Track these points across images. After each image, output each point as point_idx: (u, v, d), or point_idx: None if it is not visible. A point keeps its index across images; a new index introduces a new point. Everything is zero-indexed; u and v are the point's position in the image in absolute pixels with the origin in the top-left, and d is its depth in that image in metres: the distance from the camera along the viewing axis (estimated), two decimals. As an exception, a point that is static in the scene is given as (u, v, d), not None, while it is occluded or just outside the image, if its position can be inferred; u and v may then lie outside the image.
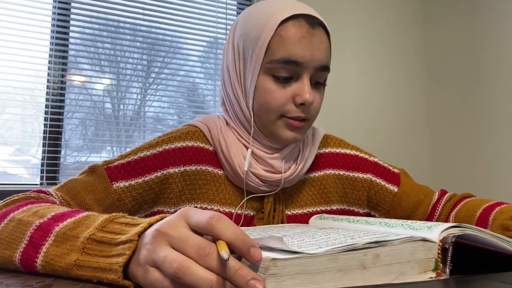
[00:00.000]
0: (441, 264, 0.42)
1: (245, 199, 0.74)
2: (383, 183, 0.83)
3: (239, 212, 0.74)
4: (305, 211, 0.79)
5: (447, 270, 0.42)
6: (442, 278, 0.42)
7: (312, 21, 0.69)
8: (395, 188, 0.82)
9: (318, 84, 0.72)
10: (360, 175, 0.83)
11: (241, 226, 0.72)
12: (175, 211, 0.70)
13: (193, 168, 0.74)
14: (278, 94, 0.68)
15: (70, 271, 0.41)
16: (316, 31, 0.69)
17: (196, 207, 0.71)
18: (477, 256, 0.47)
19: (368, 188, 0.83)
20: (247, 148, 0.74)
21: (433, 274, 0.42)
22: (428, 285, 0.39)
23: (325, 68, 0.71)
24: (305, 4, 0.72)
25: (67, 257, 0.42)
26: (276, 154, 0.74)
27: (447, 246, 0.42)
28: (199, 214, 0.37)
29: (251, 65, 0.70)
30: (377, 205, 0.83)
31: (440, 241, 0.42)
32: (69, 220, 0.46)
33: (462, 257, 0.44)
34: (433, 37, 2.43)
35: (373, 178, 0.83)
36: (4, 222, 0.51)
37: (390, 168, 0.85)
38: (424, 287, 0.39)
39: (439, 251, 0.42)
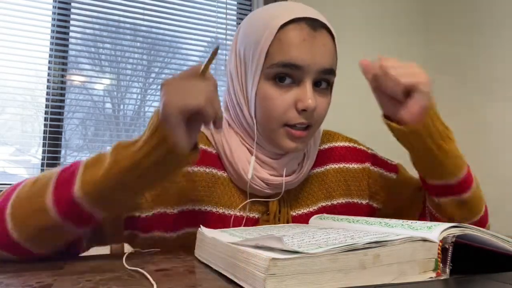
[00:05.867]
0: (441, 264, 0.42)
1: (247, 201, 0.73)
2: (381, 170, 0.84)
3: (240, 214, 0.73)
4: (310, 209, 0.78)
5: (447, 270, 0.42)
6: (442, 278, 0.42)
7: (314, 24, 0.66)
8: (393, 175, 0.84)
9: (323, 88, 0.69)
10: (359, 165, 0.84)
11: (245, 226, 0.72)
12: (177, 212, 0.70)
13: (196, 169, 0.72)
14: (279, 101, 0.66)
15: (111, 171, 0.50)
16: (318, 33, 0.66)
17: (200, 209, 0.70)
18: (477, 256, 0.47)
19: (367, 177, 0.83)
20: (250, 152, 0.72)
21: (433, 274, 0.42)
22: (428, 285, 0.39)
23: (330, 72, 0.68)
24: (309, 6, 0.70)
25: (102, 167, 0.51)
26: (280, 159, 0.73)
27: (447, 246, 0.42)
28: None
29: (251, 71, 0.68)
30: (377, 193, 0.83)
31: (440, 241, 0.42)
32: (82, 161, 0.54)
33: (462, 257, 0.44)
34: (433, 38, 2.43)
35: (371, 167, 0.84)
36: (13, 196, 0.54)
37: (388, 160, 0.87)
38: (424, 287, 0.39)
39: (439, 251, 0.42)
